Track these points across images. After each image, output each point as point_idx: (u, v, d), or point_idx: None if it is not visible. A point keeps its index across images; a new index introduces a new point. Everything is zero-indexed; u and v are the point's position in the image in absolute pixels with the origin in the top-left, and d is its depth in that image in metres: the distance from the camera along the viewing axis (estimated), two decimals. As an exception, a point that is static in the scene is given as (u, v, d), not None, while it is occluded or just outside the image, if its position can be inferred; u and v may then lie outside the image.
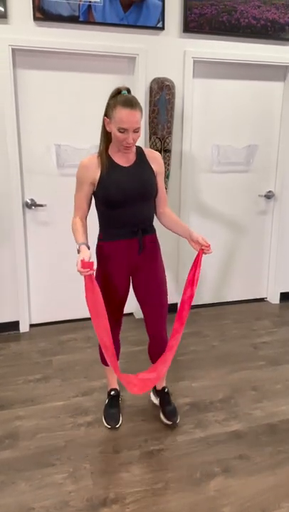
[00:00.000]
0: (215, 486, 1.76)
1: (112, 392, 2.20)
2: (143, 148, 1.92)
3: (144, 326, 2.07)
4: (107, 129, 1.77)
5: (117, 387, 2.24)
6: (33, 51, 2.69)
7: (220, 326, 3.17)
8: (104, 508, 1.66)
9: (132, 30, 2.78)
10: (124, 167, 1.82)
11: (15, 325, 3.04)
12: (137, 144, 1.87)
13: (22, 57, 2.71)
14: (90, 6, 2.66)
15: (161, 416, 2.12)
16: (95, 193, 1.85)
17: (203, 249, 1.85)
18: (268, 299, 3.69)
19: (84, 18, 2.67)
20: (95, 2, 2.66)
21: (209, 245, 1.85)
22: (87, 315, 3.21)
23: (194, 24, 2.86)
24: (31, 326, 3.12)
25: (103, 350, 1.84)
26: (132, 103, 1.68)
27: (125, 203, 1.80)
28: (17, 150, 2.77)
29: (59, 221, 3.02)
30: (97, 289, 1.74)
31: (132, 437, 2.03)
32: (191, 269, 1.90)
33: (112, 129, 1.73)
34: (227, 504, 1.67)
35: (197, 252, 1.88)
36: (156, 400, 2.22)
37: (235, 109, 3.22)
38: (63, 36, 2.68)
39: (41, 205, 2.94)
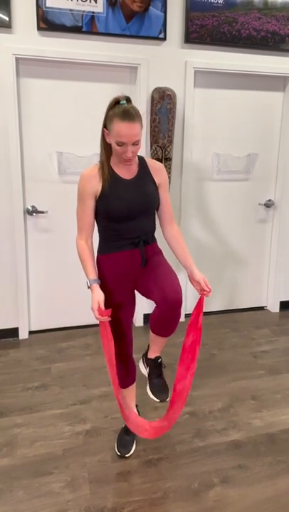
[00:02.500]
0: (214, 496, 1.74)
1: None
2: (146, 158, 1.84)
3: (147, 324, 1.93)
4: (107, 140, 1.68)
5: (135, 413, 2.07)
6: (36, 60, 2.73)
7: (219, 335, 3.17)
8: (102, 517, 1.64)
9: (134, 40, 2.82)
10: (126, 180, 1.74)
11: (14, 332, 3.04)
12: (139, 154, 1.80)
13: (25, 66, 2.74)
14: (93, 17, 2.69)
15: (148, 391, 1.86)
16: (95, 206, 1.76)
17: (204, 293, 1.77)
18: (267, 308, 3.69)
19: (87, 28, 2.70)
20: (98, 13, 2.70)
21: (210, 290, 1.76)
22: (87, 322, 3.23)
23: (195, 35, 2.90)
24: (30, 332, 3.12)
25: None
26: (130, 115, 1.58)
27: (127, 217, 1.73)
28: (19, 157, 2.79)
29: (60, 228, 3.03)
30: (110, 336, 1.72)
31: (130, 446, 2.01)
32: (193, 313, 1.81)
33: (111, 141, 1.64)
34: (226, 515, 1.66)
35: (199, 296, 1.81)
36: (145, 371, 1.97)
37: (236, 119, 3.25)
38: (66, 46, 2.72)
39: (42, 212, 2.96)
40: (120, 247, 1.76)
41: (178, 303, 1.66)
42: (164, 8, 2.80)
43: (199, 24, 2.89)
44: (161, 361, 1.91)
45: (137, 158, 1.78)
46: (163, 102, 2.85)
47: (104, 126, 1.67)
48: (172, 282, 1.69)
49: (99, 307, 1.66)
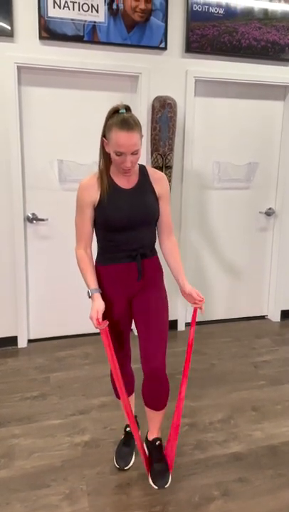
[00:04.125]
0: (214, 510, 1.71)
1: (128, 429, 2.02)
2: (147, 167, 1.79)
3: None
4: (106, 150, 1.65)
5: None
6: (38, 69, 2.74)
7: (219, 344, 3.15)
8: (101, 532, 1.61)
9: (135, 49, 2.83)
10: (125, 190, 1.70)
11: (13, 340, 3.02)
12: (140, 162, 1.77)
13: (27, 74, 2.75)
14: (94, 26, 2.71)
15: (148, 476, 1.79)
16: (94, 216, 1.73)
17: (196, 306, 1.75)
18: (268, 317, 3.66)
19: (88, 37, 2.72)
20: (100, 22, 2.71)
21: (203, 299, 1.73)
22: (86, 331, 3.21)
23: (196, 44, 2.91)
24: (29, 341, 3.09)
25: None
26: (129, 124, 1.53)
27: (125, 228, 1.69)
28: (20, 164, 2.79)
29: (60, 236, 3.02)
30: (111, 344, 1.71)
31: (129, 458, 1.98)
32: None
33: (110, 151, 1.61)
34: (226, 530, 1.63)
35: (192, 310, 1.81)
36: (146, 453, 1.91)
37: (236, 127, 3.25)
38: (68, 55, 2.73)
39: (42, 220, 2.95)
40: (117, 259, 1.73)
41: (162, 377, 1.75)
42: (165, 18, 2.82)
43: (200, 34, 2.90)
44: (160, 443, 1.85)
45: (137, 167, 1.74)
46: (164, 110, 2.86)
47: (104, 135, 1.63)
48: (157, 352, 1.73)
49: (97, 317, 1.65)
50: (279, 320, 3.60)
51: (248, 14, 2.97)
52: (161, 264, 1.86)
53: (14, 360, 2.86)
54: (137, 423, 2.10)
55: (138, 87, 2.91)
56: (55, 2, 2.62)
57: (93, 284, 1.71)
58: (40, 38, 2.65)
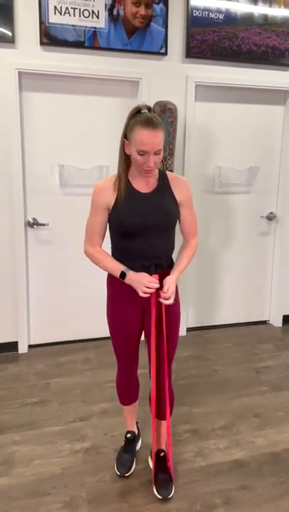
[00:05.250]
0: (216, 518, 1.69)
1: (129, 435, 2.00)
2: (168, 173, 1.73)
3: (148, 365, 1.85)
4: (126, 151, 1.60)
5: (135, 431, 2.04)
6: (38, 75, 2.75)
7: (221, 350, 3.13)
8: None
9: (136, 55, 2.84)
10: (143, 193, 1.65)
11: (13, 346, 3.00)
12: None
13: (28, 80, 2.76)
14: (95, 32, 2.72)
15: (153, 486, 1.81)
16: (108, 220, 1.69)
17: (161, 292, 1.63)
18: (270, 322, 3.64)
19: (89, 43, 2.73)
20: (100, 28, 2.72)
21: (166, 296, 1.61)
22: (86, 336, 3.19)
23: (196, 50, 2.92)
24: (30, 346, 3.08)
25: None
26: (153, 123, 1.51)
27: (140, 234, 1.63)
28: (21, 169, 2.79)
29: (60, 240, 3.01)
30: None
31: (130, 465, 1.96)
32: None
33: (132, 151, 1.56)
34: (229, 539, 1.61)
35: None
36: (151, 463, 1.94)
37: (237, 132, 3.25)
38: (69, 61, 2.74)
39: (43, 224, 2.94)
40: (130, 269, 1.65)
41: (167, 388, 1.76)
42: (165, 24, 2.83)
43: (200, 39, 2.91)
44: (164, 455, 1.88)
45: (157, 171, 1.70)
46: (164, 115, 2.86)
47: (125, 136, 1.60)
48: (165, 371, 1.74)
49: (149, 285, 1.58)
50: (281, 325, 3.58)
51: (248, 20, 2.98)
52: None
53: (14, 365, 2.85)
54: (138, 429, 2.10)
55: (138, 92, 2.91)
56: (56, 8, 2.63)
57: (118, 266, 1.64)
58: (41, 43, 2.66)
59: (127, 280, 1.63)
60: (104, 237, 1.73)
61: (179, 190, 1.70)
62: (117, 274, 1.65)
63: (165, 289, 1.62)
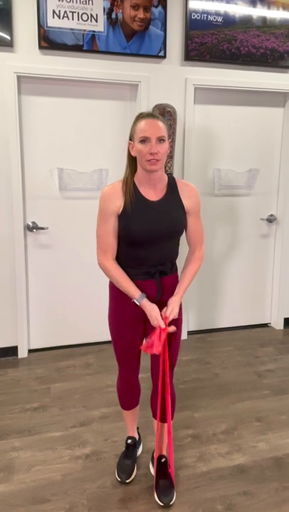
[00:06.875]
0: (218, 525, 1.67)
1: (129, 441, 1.97)
2: (177, 179, 1.69)
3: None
4: (132, 153, 1.59)
5: (136, 436, 2.02)
6: (37, 78, 2.74)
7: (222, 353, 3.10)
8: None
9: (135, 58, 2.84)
10: (151, 201, 1.61)
11: (13, 350, 2.99)
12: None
13: (27, 83, 2.76)
14: (93, 36, 2.72)
15: (154, 492, 1.79)
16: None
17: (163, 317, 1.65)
18: (271, 325, 3.62)
19: (88, 47, 2.72)
20: (99, 32, 2.72)
21: (166, 319, 1.63)
22: (86, 341, 3.18)
23: (195, 53, 2.92)
24: (30, 351, 3.06)
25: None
26: (154, 115, 1.55)
27: (146, 242, 1.61)
28: (20, 173, 2.78)
29: (60, 244, 3.00)
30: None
31: (131, 471, 1.94)
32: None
33: (136, 147, 1.55)
34: None
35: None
36: (152, 469, 1.92)
37: (236, 135, 3.25)
38: (67, 64, 2.74)
39: (43, 228, 2.93)
40: (134, 275, 1.66)
41: (169, 392, 1.74)
42: (164, 27, 2.82)
43: (199, 42, 2.91)
44: (165, 461, 1.86)
45: (166, 177, 1.67)
46: (163, 118, 2.85)
47: (130, 138, 1.61)
48: (167, 378, 1.72)
49: (158, 322, 1.63)
50: (282, 328, 3.56)
51: (246, 22, 2.98)
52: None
53: (14, 370, 2.83)
54: (139, 435, 2.08)
55: (137, 95, 2.91)
56: (54, 12, 2.63)
57: (137, 291, 1.64)
58: (40, 47, 2.66)
59: (140, 305, 1.66)
60: (117, 244, 1.66)
61: (187, 197, 1.67)
62: (131, 297, 1.66)
63: (168, 311, 1.65)
